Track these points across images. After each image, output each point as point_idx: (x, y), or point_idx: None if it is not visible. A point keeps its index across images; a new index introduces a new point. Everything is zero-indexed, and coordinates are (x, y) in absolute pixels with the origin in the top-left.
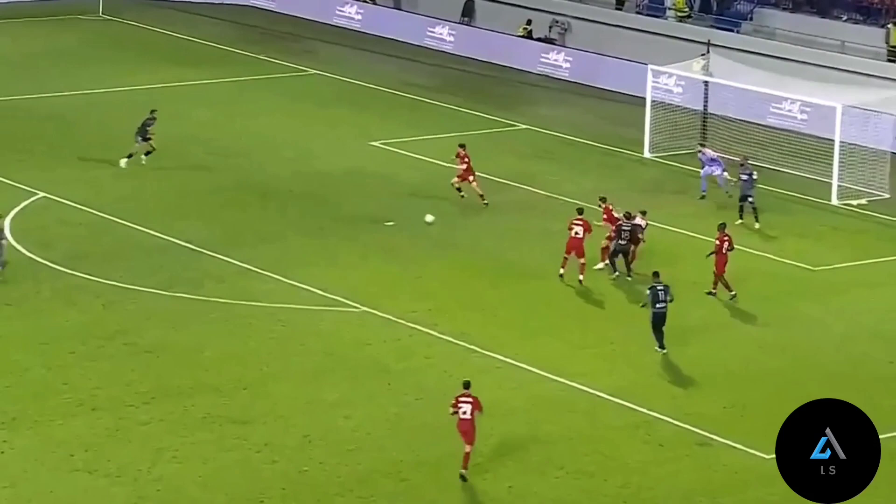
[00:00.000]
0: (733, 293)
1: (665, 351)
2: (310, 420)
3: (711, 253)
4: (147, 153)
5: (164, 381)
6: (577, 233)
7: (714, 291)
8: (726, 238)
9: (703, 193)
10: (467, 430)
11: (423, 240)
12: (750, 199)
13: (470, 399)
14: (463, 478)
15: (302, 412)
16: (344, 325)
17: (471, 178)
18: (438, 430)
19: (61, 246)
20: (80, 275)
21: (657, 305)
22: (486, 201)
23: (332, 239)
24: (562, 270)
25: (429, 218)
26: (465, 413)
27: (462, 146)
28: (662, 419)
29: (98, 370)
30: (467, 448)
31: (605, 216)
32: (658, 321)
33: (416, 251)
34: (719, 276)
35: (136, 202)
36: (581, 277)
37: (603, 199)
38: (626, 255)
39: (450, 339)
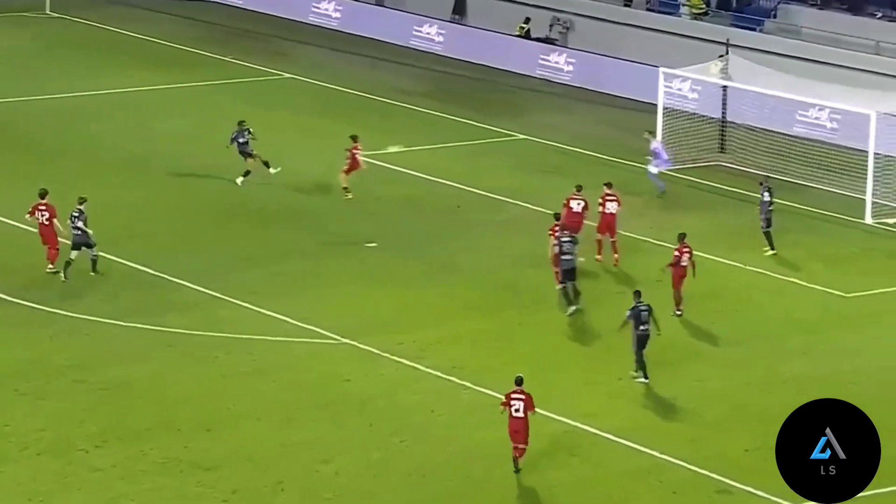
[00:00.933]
0: (680, 311)
1: (648, 381)
2: (284, 464)
3: (669, 265)
4: (247, 173)
5: (119, 421)
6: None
7: (680, 312)
8: (686, 249)
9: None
10: (518, 430)
11: (409, 262)
12: (762, 221)
13: (522, 396)
14: (517, 470)
15: (275, 456)
16: (321, 359)
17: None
18: (426, 476)
19: (3, 272)
20: (27, 304)
21: (640, 328)
22: (349, 195)
23: (308, 262)
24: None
25: None
26: (517, 410)
27: (354, 137)
28: (676, 463)
29: (45, 410)
30: (521, 447)
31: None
32: (640, 344)
33: (402, 275)
34: (676, 289)
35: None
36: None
37: (578, 189)
38: (572, 277)
39: (439, 373)
